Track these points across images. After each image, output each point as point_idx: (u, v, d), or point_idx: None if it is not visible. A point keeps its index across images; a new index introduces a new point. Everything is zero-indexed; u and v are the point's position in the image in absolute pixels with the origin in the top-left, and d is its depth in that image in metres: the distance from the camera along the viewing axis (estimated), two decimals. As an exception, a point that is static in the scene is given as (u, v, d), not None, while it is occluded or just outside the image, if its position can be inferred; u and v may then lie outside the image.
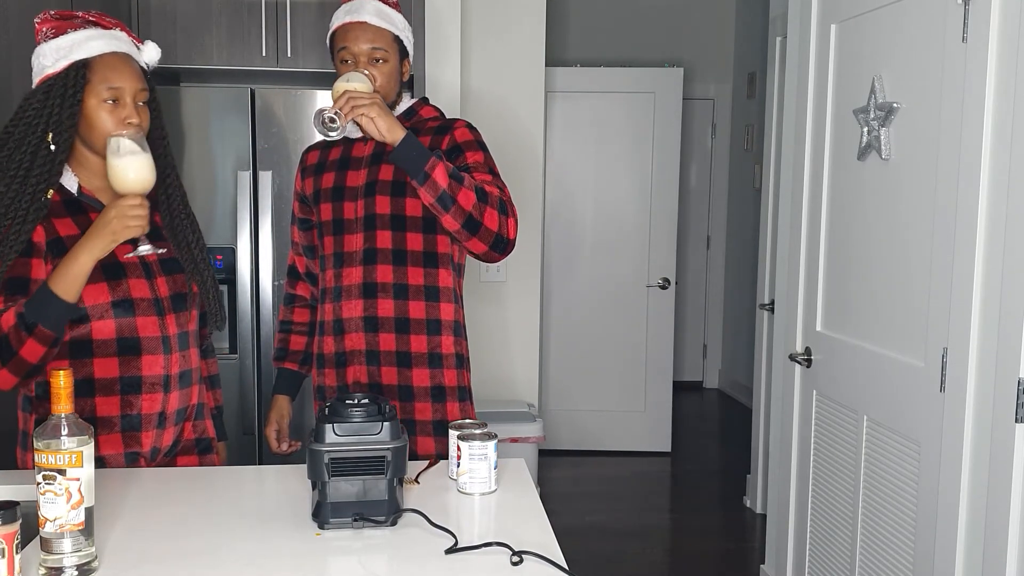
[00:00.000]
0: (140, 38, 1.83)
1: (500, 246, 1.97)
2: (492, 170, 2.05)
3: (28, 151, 1.67)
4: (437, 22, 3.64)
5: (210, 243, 3.00)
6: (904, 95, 2.19)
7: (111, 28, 1.76)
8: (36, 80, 1.72)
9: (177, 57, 3.19)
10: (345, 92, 1.87)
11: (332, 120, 1.85)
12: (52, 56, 1.70)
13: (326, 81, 3.34)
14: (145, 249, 1.70)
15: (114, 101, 1.71)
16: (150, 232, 1.83)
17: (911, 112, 2.17)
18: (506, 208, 1.97)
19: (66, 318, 1.65)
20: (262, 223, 3.16)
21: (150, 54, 1.81)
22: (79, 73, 1.69)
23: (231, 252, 3.15)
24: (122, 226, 1.62)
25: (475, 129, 2.12)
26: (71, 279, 1.62)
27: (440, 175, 1.87)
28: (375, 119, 1.84)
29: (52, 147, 1.68)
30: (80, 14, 1.75)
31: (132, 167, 1.64)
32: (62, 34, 1.71)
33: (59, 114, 1.68)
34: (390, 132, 1.86)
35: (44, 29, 1.72)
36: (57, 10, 1.75)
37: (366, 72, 1.98)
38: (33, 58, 1.74)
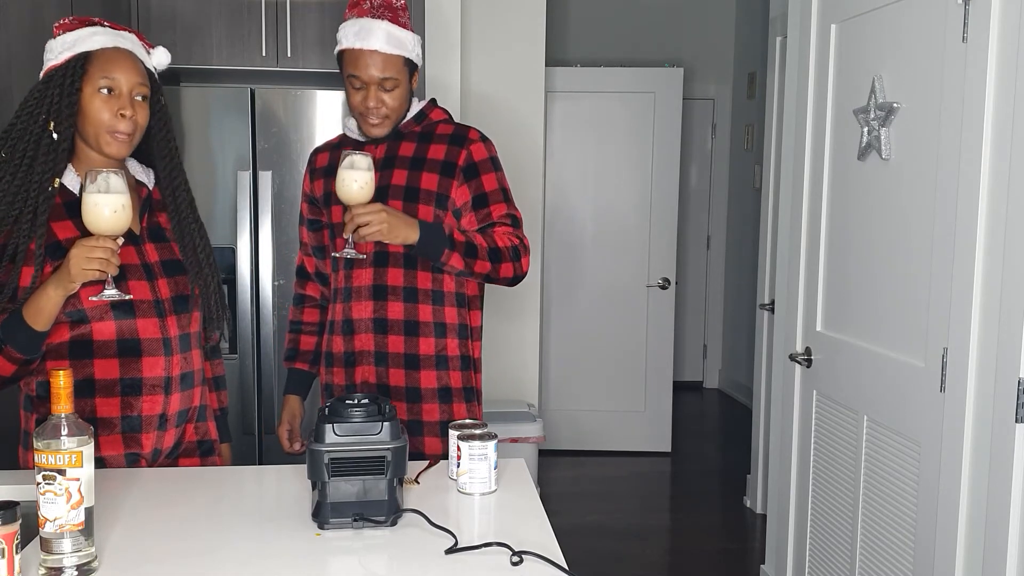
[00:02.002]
0: (151, 43, 1.85)
1: (515, 282, 2.12)
2: (506, 193, 2.13)
3: (31, 140, 1.68)
4: (438, 23, 3.64)
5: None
6: (904, 95, 2.19)
7: (121, 31, 1.78)
8: (42, 74, 1.75)
9: (177, 57, 3.16)
10: (351, 217, 1.86)
11: (352, 252, 1.94)
12: (57, 50, 1.73)
13: (326, 81, 3.34)
14: (111, 294, 1.62)
15: (109, 91, 1.72)
16: (153, 231, 1.83)
17: (911, 112, 2.17)
18: (518, 253, 2.08)
19: (36, 343, 1.65)
20: (262, 223, 3.16)
21: (160, 58, 1.83)
22: (78, 64, 1.71)
23: (231, 252, 3.15)
24: (79, 269, 1.56)
25: (489, 142, 2.15)
26: (39, 309, 1.61)
27: (456, 261, 2.00)
28: (387, 237, 1.91)
29: (55, 135, 1.69)
30: (96, 20, 1.78)
31: (110, 205, 1.55)
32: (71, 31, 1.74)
33: (59, 103, 1.69)
34: (405, 239, 1.94)
35: (59, 33, 1.76)
36: (75, 16, 1.79)
37: (365, 154, 1.89)
38: (44, 55, 1.77)
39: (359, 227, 1.87)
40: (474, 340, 2.18)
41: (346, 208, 1.89)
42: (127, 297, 1.68)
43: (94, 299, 1.64)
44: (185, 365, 1.83)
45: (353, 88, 2.04)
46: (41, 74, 1.75)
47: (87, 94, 1.71)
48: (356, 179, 1.85)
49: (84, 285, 1.63)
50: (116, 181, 1.56)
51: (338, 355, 2.14)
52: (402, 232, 1.92)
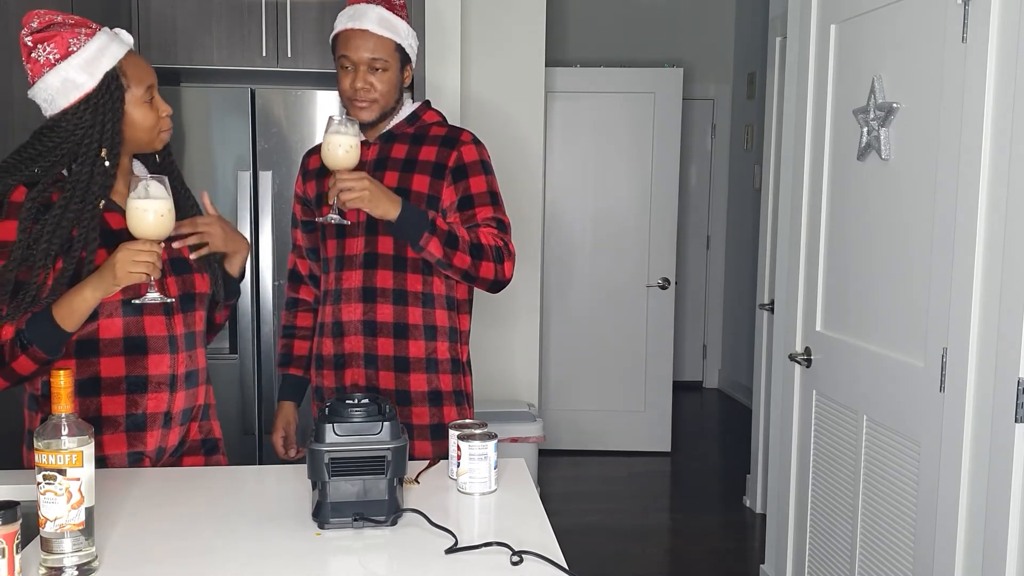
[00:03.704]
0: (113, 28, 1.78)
1: (497, 287, 2.08)
2: (495, 197, 2.10)
3: (85, 169, 1.66)
4: (438, 25, 3.64)
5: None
6: (904, 95, 2.20)
7: (100, 27, 1.73)
8: (73, 98, 1.66)
9: (177, 57, 3.19)
10: (336, 184, 1.87)
11: (337, 217, 1.96)
12: (82, 71, 1.66)
13: (326, 81, 3.34)
14: (153, 297, 1.66)
15: (151, 99, 1.74)
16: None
17: (911, 112, 2.17)
18: (501, 255, 2.04)
19: (62, 343, 1.65)
20: (262, 223, 3.17)
21: (129, 38, 1.79)
22: (115, 85, 1.69)
23: (231, 252, 3.14)
24: (124, 271, 1.59)
25: (481, 145, 2.14)
26: (72, 311, 1.62)
27: (435, 247, 1.97)
28: (367, 205, 1.90)
29: (107, 163, 1.68)
30: (77, 20, 1.70)
31: (156, 210, 1.60)
32: (66, 49, 1.66)
33: (111, 131, 1.68)
34: (385, 213, 1.93)
35: (44, 47, 1.66)
36: (36, 26, 1.67)
37: (351, 122, 1.91)
38: (51, 81, 1.66)
39: (341, 192, 1.87)
40: (463, 344, 2.17)
41: (331, 173, 1.90)
42: (170, 300, 1.71)
43: (137, 301, 1.67)
44: (190, 363, 1.84)
45: (344, 70, 2.06)
46: (72, 98, 1.66)
47: (131, 108, 1.71)
48: (341, 144, 1.87)
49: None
50: (156, 187, 1.61)
51: (328, 357, 2.13)
52: (383, 204, 1.91)
